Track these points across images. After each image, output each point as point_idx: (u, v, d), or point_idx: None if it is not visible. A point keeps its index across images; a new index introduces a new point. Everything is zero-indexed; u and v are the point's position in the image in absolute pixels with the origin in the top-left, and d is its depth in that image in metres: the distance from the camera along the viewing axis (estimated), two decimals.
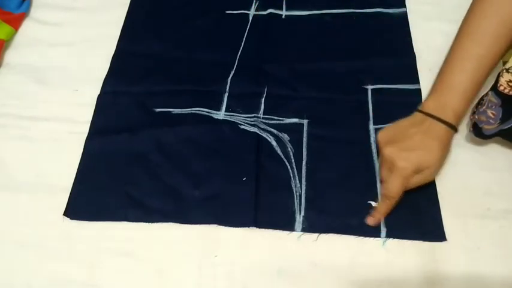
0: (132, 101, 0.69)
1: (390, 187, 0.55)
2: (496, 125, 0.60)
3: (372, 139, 0.65)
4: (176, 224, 0.59)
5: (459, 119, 0.57)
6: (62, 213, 0.59)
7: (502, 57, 0.59)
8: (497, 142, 0.64)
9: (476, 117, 0.60)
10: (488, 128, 0.60)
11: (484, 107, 0.60)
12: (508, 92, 0.58)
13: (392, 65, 0.72)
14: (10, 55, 0.76)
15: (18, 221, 0.59)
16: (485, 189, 0.61)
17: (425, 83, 0.70)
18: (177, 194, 0.61)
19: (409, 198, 0.60)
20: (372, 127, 0.66)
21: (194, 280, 0.55)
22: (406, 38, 0.75)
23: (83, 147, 0.65)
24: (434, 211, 0.59)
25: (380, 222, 0.57)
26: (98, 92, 0.70)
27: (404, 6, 0.79)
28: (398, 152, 0.54)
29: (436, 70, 0.71)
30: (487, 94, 0.61)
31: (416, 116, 0.57)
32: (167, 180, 0.62)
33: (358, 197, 0.60)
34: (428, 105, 0.57)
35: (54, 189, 0.61)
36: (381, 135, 0.57)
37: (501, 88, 0.59)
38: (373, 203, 0.60)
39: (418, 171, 0.54)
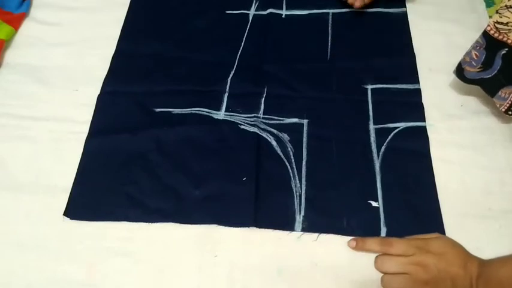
0: (132, 101, 0.69)
1: None
2: (477, 69, 0.62)
3: (372, 139, 0.65)
4: (176, 224, 0.59)
5: None
6: (62, 213, 0.59)
7: None
8: (497, 140, 0.65)
9: (463, 57, 0.64)
10: (469, 70, 0.64)
11: (470, 48, 0.63)
12: (493, 34, 0.59)
13: (392, 64, 0.72)
14: (10, 55, 0.75)
15: (18, 221, 0.59)
16: (485, 189, 0.61)
17: (425, 83, 0.70)
18: (177, 194, 0.61)
19: (409, 199, 0.60)
20: (372, 127, 0.66)
21: (194, 280, 0.55)
22: (406, 37, 0.75)
23: (83, 147, 0.65)
24: (434, 211, 0.59)
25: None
26: (98, 92, 0.70)
27: (404, 6, 0.79)
28: None
29: (436, 70, 0.72)
30: None
31: None
32: (167, 180, 0.62)
33: (358, 197, 0.60)
34: None
35: (54, 189, 0.61)
36: None
37: (488, 29, 0.60)
38: (373, 203, 0.60)
39: None
